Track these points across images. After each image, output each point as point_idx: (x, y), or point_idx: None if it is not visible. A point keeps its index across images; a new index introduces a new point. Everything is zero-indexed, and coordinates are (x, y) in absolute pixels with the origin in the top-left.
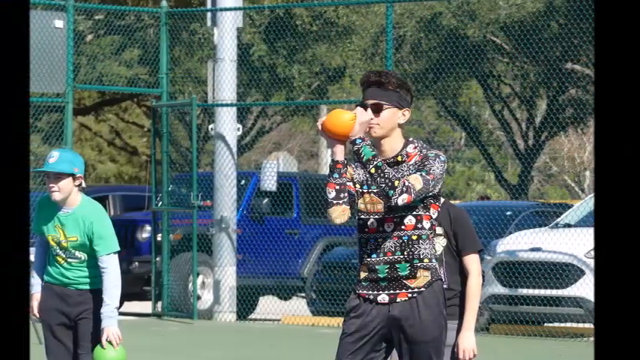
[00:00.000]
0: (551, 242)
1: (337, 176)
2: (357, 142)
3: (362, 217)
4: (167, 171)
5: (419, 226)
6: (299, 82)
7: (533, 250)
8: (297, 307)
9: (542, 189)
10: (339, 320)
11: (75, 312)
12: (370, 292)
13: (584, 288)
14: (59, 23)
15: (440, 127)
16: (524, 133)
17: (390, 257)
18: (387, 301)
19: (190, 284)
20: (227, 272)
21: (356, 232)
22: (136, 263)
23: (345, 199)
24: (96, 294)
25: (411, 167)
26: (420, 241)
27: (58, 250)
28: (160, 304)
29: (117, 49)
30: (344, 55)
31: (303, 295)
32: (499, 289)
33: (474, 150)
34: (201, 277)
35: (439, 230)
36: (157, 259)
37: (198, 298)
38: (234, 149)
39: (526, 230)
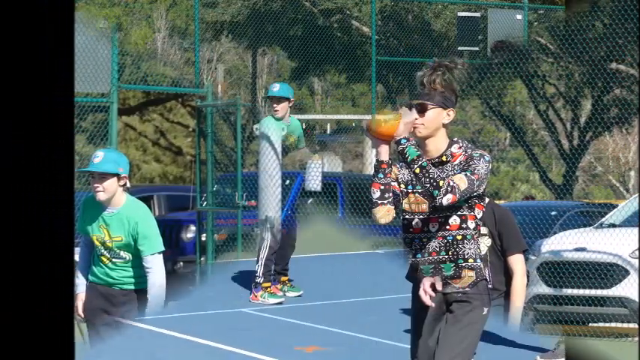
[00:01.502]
0: (596, 242)
1: (382, 176)
2: (401, 142)
3: (407, 217)
4: (212, 171)
5: (463, 226)
6: None
7: (577, 250)
8: None
9: (587, 189)
10: None
11: (119, 312)
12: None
13: (629, 288)
14: (104, 23)
15: (484, 127)
16: (568, 133)
17: (435, 257)
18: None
19: None
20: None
21: (401, 232)
22: (181, 263)
23: (390, 199)
24: (140, 294)
25: (455, 167)
26: (465, 241)
27: (103, 250)
28: None
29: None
30: None
31: None
32: (544, 289)
33: (518, 150)
34: None
35: (484, 230)
36: (202, 259)
37: None
38: (279, 149)
39: (571, 230)
